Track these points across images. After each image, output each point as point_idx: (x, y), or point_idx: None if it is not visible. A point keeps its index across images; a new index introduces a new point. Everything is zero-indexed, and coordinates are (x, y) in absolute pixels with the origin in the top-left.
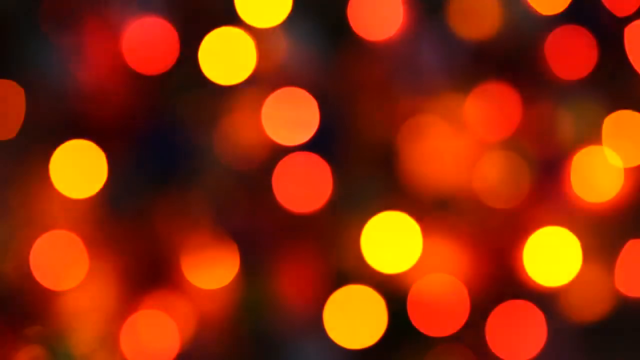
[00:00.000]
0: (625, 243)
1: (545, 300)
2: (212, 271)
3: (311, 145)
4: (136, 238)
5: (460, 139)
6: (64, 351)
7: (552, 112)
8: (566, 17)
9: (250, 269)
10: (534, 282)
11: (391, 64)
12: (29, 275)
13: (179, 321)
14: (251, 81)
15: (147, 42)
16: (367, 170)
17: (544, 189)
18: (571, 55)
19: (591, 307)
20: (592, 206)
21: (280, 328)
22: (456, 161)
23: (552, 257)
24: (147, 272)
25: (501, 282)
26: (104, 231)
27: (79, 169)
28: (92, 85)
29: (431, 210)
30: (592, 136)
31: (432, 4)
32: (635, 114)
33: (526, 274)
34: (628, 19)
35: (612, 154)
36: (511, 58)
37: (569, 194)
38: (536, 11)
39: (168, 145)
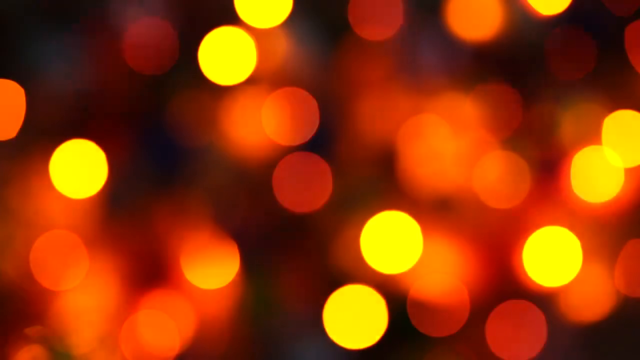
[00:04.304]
0: (625, 243)
1: (545, 300)
2: (212, 271)
3: (311, 145)
4: (136, 238)
5: (460, 139)
6: (64, 351)
7: (552, 112)
8: (566, 17)
9: (251, 269)
10: (534, 282)
11: (391, 64)
12: (29, 275)
13: (179, 321)
14: (251, 81)
15: (147, 42)
16: (367, 170)
17: (544, 189)
18: (571, 55)
19: (591, 307)
20: (592, 206)
21: (280, 328)
22: (456, 161)
23: (552, 257)
24: (147, 272)
25: (501, 282)
26: (104, 231)
27: (79, 169)
28: (92, 85)
29: (431, 210)
30: (592, 136)
31: (432, 4)
32: (635, 113)
33: (526, 274)
34: (628, 19)
35: (612, 154)
36: (511, 58)
37: (569, 194)
38: (536, 11)
39: (168, 145)
